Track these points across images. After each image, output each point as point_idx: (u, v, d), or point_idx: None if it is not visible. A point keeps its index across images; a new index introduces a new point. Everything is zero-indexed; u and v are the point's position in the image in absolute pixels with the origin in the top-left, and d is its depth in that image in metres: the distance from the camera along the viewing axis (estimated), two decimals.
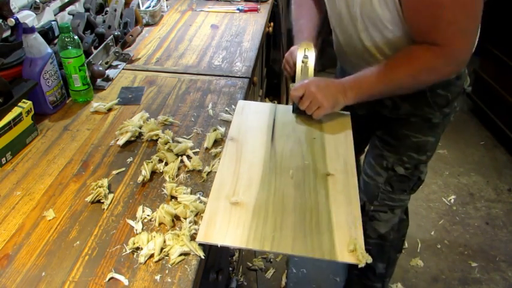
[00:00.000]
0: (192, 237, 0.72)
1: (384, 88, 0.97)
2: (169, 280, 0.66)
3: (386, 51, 1.02)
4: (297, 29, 1.21)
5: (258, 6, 1.84)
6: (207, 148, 0.96)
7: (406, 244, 1.94)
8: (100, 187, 0.81)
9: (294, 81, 1.09)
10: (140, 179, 0.84)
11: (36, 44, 1.01)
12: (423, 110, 1.11)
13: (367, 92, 0.98)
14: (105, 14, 1.48)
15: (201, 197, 0.81)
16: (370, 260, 0.68)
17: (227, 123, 1.04)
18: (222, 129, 1.01)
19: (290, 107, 1.07)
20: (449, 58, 0.91)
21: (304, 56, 1.06)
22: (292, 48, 1.17)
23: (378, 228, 1.31)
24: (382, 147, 1.21)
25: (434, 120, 1.13)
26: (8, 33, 1.09)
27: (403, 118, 1.14)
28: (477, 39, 0.96)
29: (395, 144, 1.19)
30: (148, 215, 0.77)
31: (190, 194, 0.81)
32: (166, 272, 0.67)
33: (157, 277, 0.66)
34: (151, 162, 0.88)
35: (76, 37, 1.06)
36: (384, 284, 1.49)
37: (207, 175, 0.88)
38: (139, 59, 1.39)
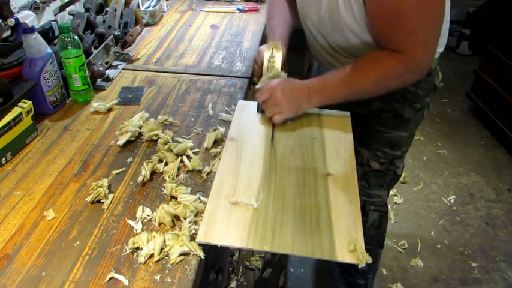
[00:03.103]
0: (192, 237, 0.72)
1: (347, 92, 0.98)
2: (169, 280, 0.66)
3: (350, 54, 1.04)
4: (269, 28, 1.21)
5: (258, 6, 1.84)
6: (207, 148, 0.96)
7: (406, 244, 1.94)
8: (100, 187, 0.81)
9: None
10: (140, 179, 0.84)
11: (36, 44, 1.01)
12: (394, 106, 1.13)
13: (331, 96, 0.98)
14: (105, 14, 1.48)
15: (201, 197, 0.81)
16: (370, 260, 0.68)
17: (227, 123, 1.04)
18: (222, 129, 1.01)
19: None
20: (409, 66, 0.93)
21: (271, 55, 1.06)
22: (260, 47, 1.17)
23: None
24: (356, 143, 1.23)
25: (406, 115, 1.14)
26: (8, 33, 1.09)
27: (375, 114, 1.15)
28: (439, 48, 1.00)
29: (368, 140, 1.20)
30: (148, 215, 0.77)
31: (190, 194, 0.81)
32: (166, 272, 0.67)
33: (157, 277, 0.66)
34: (151, 162, 0.88)
35: (76, 37, 1.06)
36: (367, 280, 1.49)
37: (207, 175, 0.88)
38: (139, 59, 1.39)
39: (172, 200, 0.81)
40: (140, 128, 0.99)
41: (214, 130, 1.00)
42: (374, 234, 1.35)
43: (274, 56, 1.07)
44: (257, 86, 1.02)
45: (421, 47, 0.91)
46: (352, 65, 0.97)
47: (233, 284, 1.48)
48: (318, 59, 1.21)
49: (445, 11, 0.89)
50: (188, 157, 0.92)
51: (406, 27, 0.87)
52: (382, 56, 0.94)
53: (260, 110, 1.04)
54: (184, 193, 0.81)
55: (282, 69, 1.08)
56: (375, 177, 1.23)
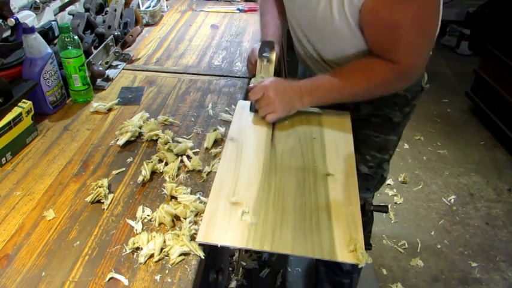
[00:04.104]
0: (192, 237, 0.72)
1: (338, 96, 0.98)
2: (169, 280, 0.66)
3: (339, 63, 1.04)
4: (262, 24, 1.21)
5: (258, 7, 1.84)
6: (207, 148, 0.96)
7: (406, 244, 1.94)
8: (100, 187, 0.81)
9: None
10: (140, 179, 0.84)
11: (36, 44, 1.01)
12: (383, 110, 1.13)
13: (322, 98, 0.99)
14: (105, 14, 1.48)
15: (201, 197, 0.81)
16: (370, 260, 0.68)
17: (227, 123, 1.04)
18: (222, 129, 1.01)
19: None
20: (402, 75, 0.95)
21: (263, 54, 1.06)
22: (254, 46, 1.17)
23: None
24: None
25: (395, 119, 1.14)
26: (8, 33, 1.09)
27: (364, 119, 1.15)
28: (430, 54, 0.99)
29: (357, 144, 1.20)
30: (148, 215, 0.77)
31: (190, 194, 0.81)
32: (166, 272, 0.67)
33: (157, 277, 0.66)
34: (151, 162, 0.88)
35: (76, 37, 1.06)
36: (352, 280, 1.50)
37: (207, 175, 0.88)
38: (139, 59, 1.39)
39: (172, 200, 0.81)
40: (140, 128, 0.99)
41: (214, 130, 1.00)
42: None
43: (268, 55, 1.06)
44: (250, 85, 1.02)
45: (416, 57, 0.92)
46: (346, 69, 0.98)
47: (233, 284, 1.48)
48: (304, 63, 1.20)
49: (439, 21, 0.90)
50: (188, 157, 0.92)
51: (403, 39, 0.88)
52: (375, 63, 0.94)
53: (253, 109, 1.04)
54: (184, 193, 0.81)
55: (276, 67, 1.08)
56: (362, 181, 1.22)
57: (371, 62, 0.95)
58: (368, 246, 1.42)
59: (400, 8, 0.85)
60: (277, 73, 1.11)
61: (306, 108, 1.05)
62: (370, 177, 1.23)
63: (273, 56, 1.07)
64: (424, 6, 0.86)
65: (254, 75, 1.10)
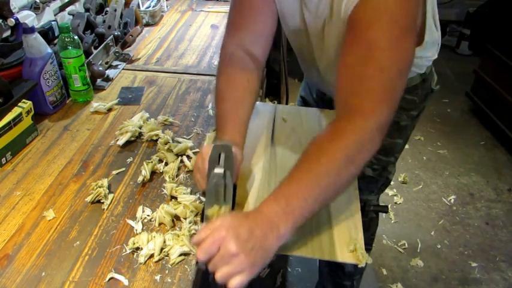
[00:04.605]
0: (192, 237, 0.72)
1: (319, 191, 0.69)
2: (169, 280, 0.66)
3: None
4: (220, 114, 0.85)
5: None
6: None
7: (406, 244, 1.94)
8: (100, 187, 0.81)
9: (202, 213, 0.74)
10: (140, 179, 0.84)
11: (36, 44, 1.01)
12: None
13: (303, 210, 0.67)
14: (105, 14, 1.48)
15: (201, 197, 0.81)
16: (370, 260, 0.69)
17: None
18: None
19: (290, 107, 1.06)
20: (372, 126, 0.72)
21: (217, 168, 0.69)
22: (204, 148, 0.77)
23: None
24: None
25: (402, 123, 1.11)
26: (8, 33, 1.09)
27: None
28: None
29: None
30: (148, 215, 0.77)
31: (190, 194, 0.81)
32: (166, 272, 0.67)
33: (157, 277, 0.66)
34: (151, 162, 0.88)
35: (76, 37, 1.06)
36: (354, 282, 1.49)
37: None
38: (139, 59, 1.39)
39: (172, 200, 0.81)
40: (140, 128, 0.99)
41: (214, 130, 1.00)
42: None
43: (225, 171, 0.69)
44: (194, 238, 0.64)
45: (386, 102, 0.74)
46: (309, 153, 0.73)
47: None
48: (309, 78, 1.16)
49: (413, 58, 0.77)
50: (188, 157, 0.92)
51: (377, 63, 0.71)
52: (341, 127, 0.74)
53: (204, 270, 0.66)
54: (184, 193, 0.81)
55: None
56: (366, 183, 1.21)
57: (335, 129, 0.74)
58: (368, 246, 1.43)
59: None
60: (276, 73, 1.08)
61: (296, 108, 0.95)
62: (374, 180, 1.21)
63: (232, 173, 0.71)
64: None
65: (203, 193, 0.76)
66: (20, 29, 1.04)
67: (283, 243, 0.65)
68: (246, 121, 0.85)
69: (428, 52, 0.97)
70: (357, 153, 0.71)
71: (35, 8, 1.25)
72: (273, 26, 0.92)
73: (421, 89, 1.07)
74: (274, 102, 1.12)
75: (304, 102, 1.27)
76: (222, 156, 0.70)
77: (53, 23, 1.29)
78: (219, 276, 0.61)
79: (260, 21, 0.90)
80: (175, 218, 0.77)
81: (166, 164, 0.90)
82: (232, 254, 0.61)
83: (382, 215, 2.08)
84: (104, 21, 1.43)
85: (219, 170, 0.69)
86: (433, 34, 0.95)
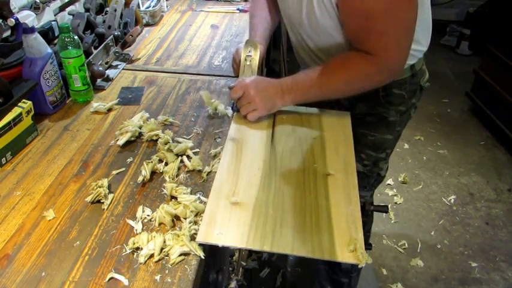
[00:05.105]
0: (192, 237, 0.72)
1: (319, 92, 0.98)
2: (169, 280, 0.66)
3: (331, 55, 1.04)
4: (250, 27, 1.22)
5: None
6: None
7: (406, 244, 1.94)
8: (100, 187, 0.81)
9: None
10: (140, 179, 0.84)
11: (36, 44, 1.01)
12: (377, 110, 1.12)
13: (304, 95, 0.99)
14: (105, 14, 1.48)
15: (201, 197, 0.81)
16: (370, 260, 0.68)
17: (227, 123, 1.04)
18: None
19: (290, 107, 1.07)
20: (381, 67, 0.93)
21: (247, 54, 1.08)
22: (239, 45, 1.18)
23: None
24: None
25: (390, 118, 1.14)
26: (8, 33, 1.09)
27: (359, 117, 1.14)
28: (410, 50, 0.97)
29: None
30: (148, 215, 0.77)
31: (190, 194, 0.81)
32: (166, 272, 0.67)
33: (157, 277, 0.66)
34: (151, 162, 0.88)
35: (76, 37, 1.06)
36: (351, 279, 1.50)
37: (207, 175, 0.88)
38: (139, 59, 1.39)
39: (172, 200, 0.81)
40: (140, 128, 0.99)
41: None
42: None
43: (251, 55, 1.08)
44: (231, 84, 1.03)
45: (393, 49, 0.91)
46: (325, 65, 0.98)
47: (233, 284, 1.48)
48: (303, 62, 1.21)
49: (417, 14, 0.88)
50: (188, 157, 0.92)
51: (376, 29, 0.88)
52: (353, 57, 0.94)
53: (235, 109, 1.05)
54: (184, 193, 0.81)
55: (259, 67, 1.09)
56: (358, 179, 1.23)
57: (349, 57, 0.96)
58: (368, 246, 1.43)
59: None
60: (276, 73, 1.12)
61: (296, 108, 1.04)
62: (365, 176, 1.23)
63: (257, 56, 1.08)
64: None
65: (238, 74, 1.11)
66: (20, 29, 1.04)
67: (285, 106, 1.02)
68: (269, 29, 1.19)
69: (419, 35, 0.99)
70: (358, 81, 0.96)
71: (35, 8, 1.25)
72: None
73: (410, 83, 1.08)
74: None
75: None
76: (251, 48, 1.09)
77: (53, 23, 1.29)
78: (243, 110, 1.00)
79: None
80: (175, 218, 0.77)
81: (166, 164, 0.90)
82: (251, 97, 0.97)
83: (382, 215, 2.08)
84: (104, 21, 1.43)
85: (249, 54, 1.08)
86: (424, 12, 0.96)
